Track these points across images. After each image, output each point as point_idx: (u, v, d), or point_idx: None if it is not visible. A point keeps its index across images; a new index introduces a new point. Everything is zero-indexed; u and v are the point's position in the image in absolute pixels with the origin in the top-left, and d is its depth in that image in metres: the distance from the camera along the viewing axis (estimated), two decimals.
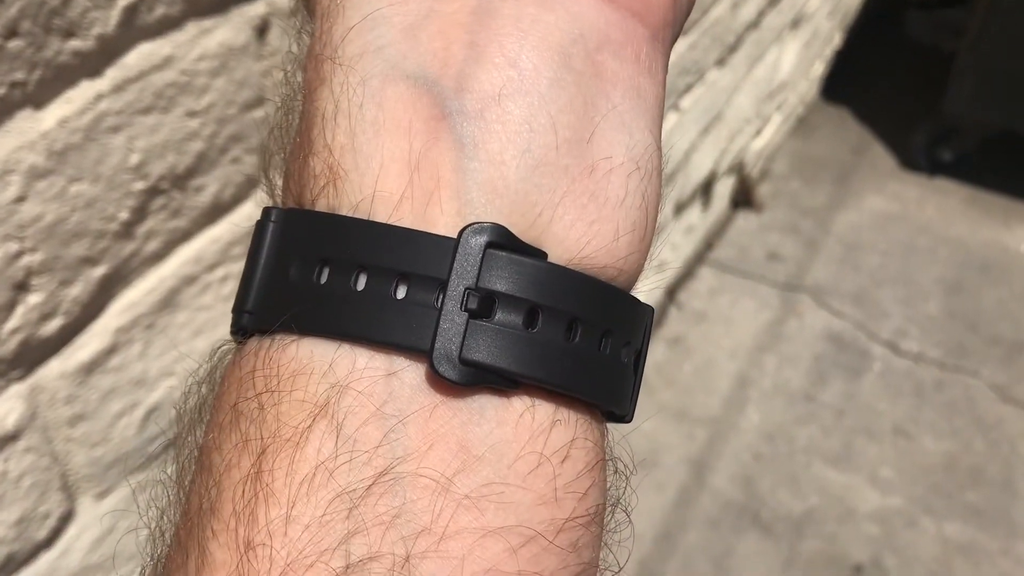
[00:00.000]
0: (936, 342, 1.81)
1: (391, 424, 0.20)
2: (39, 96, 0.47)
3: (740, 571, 1.42)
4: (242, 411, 0.21)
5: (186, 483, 0.23)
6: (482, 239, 0.21)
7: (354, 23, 0.23)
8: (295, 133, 0.24)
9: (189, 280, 0.61)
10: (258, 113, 0.60)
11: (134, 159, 0.53)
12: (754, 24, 1.63)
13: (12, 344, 0.51)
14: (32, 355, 0.52)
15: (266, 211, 0.24)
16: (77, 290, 0.53)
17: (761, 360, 1.74)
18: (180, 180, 0.56)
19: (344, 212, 0.22)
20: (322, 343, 0.21)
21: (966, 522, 1.52)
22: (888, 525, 1.52)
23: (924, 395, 1.70)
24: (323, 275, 0.22)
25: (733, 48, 1.58)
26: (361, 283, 0.21)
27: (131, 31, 0.50)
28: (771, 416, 1.64)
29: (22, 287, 0.50)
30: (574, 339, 0.21)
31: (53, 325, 0.53)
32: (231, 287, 0.64)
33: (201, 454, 0.22)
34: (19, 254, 0.49)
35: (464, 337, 0.21)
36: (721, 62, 1.54)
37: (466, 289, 0.21)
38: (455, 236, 0.21)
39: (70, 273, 0.52)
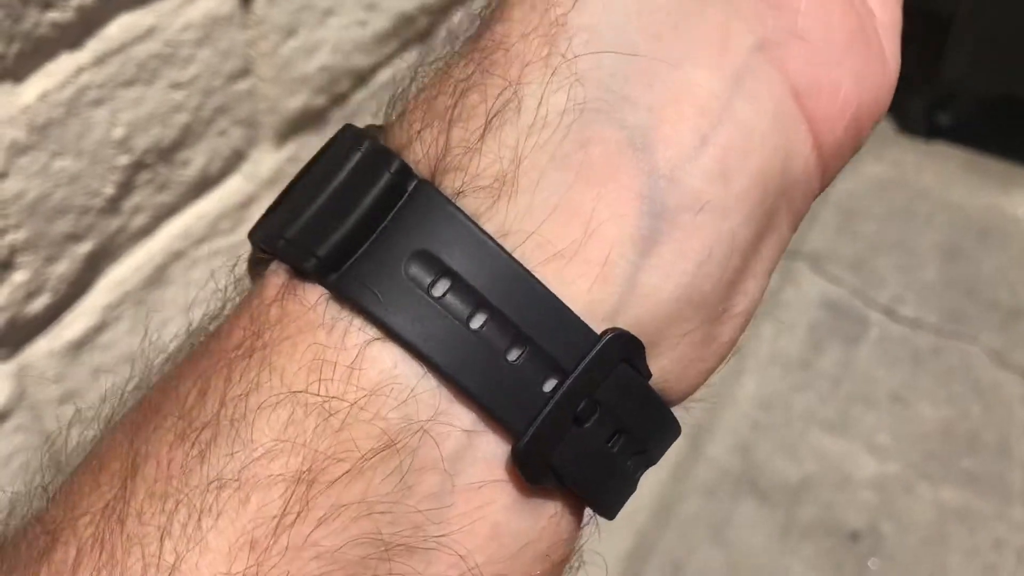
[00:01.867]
0: (933, 308, 1.81)
1: (447, 486, 0.20)
2: (18, 70, 0.46)
3: (738, 539, 1.43)
4: (305, 404, 0.19)
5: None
6: (621, 353, 0.21)
7: (596, 14, 0.21)
8: (459, 75, 0.22)
9: (177, 255, 0.60)
10: (243, 85, 0.59)
11: (118, 133, 0.52)
12: None
13: None
14: (19, 334, 0.52)
15: (383, 152, 0.21)
16: (63, 267, 0.52)
17: (758, 328, 1.74)
18: (166, 154, 0.55)
19: (490, 231, 0.20)
20: (411, 363, 0.20)
21: (962, 487, 1.53)
22: (885, 491, 1.52)
23: (921, 361, 1.70)
24: (438, 286, 0.20)
25: None
26: (477, 321, 0.20)
27: (112, 1, 0.49)
28: (768, 384, 1.65)
29: (6, 265, 0.49)
30: (613, 448, 0.21)
31: (39, 303, 0.52)
32: (220, 262, 0.64)
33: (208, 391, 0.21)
34: (2, 232, 0.48)
35: (560, 442, 0.20)
36: None
37: (585, 397, 0.21)
38: (599, 332, 0.20)
39: (55, 250, 0.51)
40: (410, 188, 0.21)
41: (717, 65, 0.22)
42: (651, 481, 1.46)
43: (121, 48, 0.50)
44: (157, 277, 0.59)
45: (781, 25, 0.23)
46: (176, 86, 0.54)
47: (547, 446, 0.20)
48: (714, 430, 1.54)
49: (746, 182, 0.22)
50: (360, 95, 0.70)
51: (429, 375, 0.20)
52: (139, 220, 0.56)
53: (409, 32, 0.72)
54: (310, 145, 0.67)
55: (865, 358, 1.68)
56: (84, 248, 0.53)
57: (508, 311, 0.20)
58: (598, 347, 0.20)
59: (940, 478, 1.52)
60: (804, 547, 1.43)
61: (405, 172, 0.21)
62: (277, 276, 0.21)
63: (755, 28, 0.23)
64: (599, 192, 0.21)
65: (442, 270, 0.20)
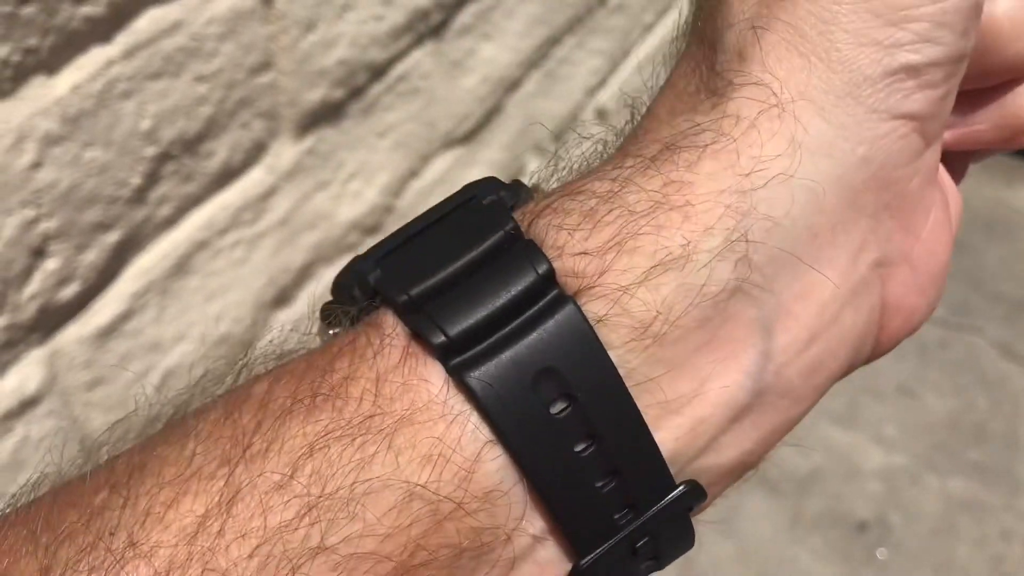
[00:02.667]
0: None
1: None
2: (52, 62, 0.47)
3: (747, 530, 1.44)
4: (417, 495, 0.21)
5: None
6: (689, 502, 0.23)
7: (781, 207, 0.23)
8: (633, 203, 0.23)
9: (201, 245, 0.62)
10: (264, 78, 0.60)
11: (145, 124, 0.53)
12: None
13: (31, 309, 0.51)
14: (50, 320, 0.53)
15: (534, 249, 0.22)
16: (92, 256, 0.54)
17: None
18: (191, 145, 0.57)
19: (617, 367, 0.22)
20: (512, 472, 0.21)
21: (970, 479, 1.54)
22: (892, 483, 1.53)
23: (928, 354, 1.71)
24: (557, 404, 0.22)
25: None
26: (581, 446, 0.22)
27: None
28: None
29: (39, 253, 0.50)
30: (642, 564, 0.24)
31: (70, 290, 0.53)
32: (241, 252, 0.65)
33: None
34: (36, 220, 0.49)
35: (613, 567, 0.23)
36: None
37: (648, 536, 0.23)
38: (677, 480, 0.23)
39: (85, 239, 0.53)
40: (551, 295, 0.22)
41: (845, 273, 0.24)
42: None
43: (149, 42, 0.51)
44: (181, 266, 0.61)
45: (901, 248, 0.25)
46: (201, 79, 0.55)
47: (603, 569, 0.22)
48: None
49: (825, 379, 0.24)
50: (377, 88, 0.71)
51: (523, 484, 0.21)
52: (164, 210, 0.57)
53: (423, 26, 0.73)
54: (328, 138, 0.68)
55: None
56: (112, 237, 0.55)
57: (612, 446, 0.22)
58: (674, 495, 0.23)
59: (947, 469, 1.53)
60: (813, 538, 1.44)
61: (551, 280, 0.22)
62: (397, 336, 0.22)
63: (883, 245, 0.25)
64: (718, 359, 0.23)
65: (565, 392, 0.22)
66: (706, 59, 0.25)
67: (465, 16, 0.78)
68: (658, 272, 0.22)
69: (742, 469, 0.24)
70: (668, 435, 0.22)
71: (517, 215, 0.23)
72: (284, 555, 0.20)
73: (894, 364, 1.67)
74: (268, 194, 0.65)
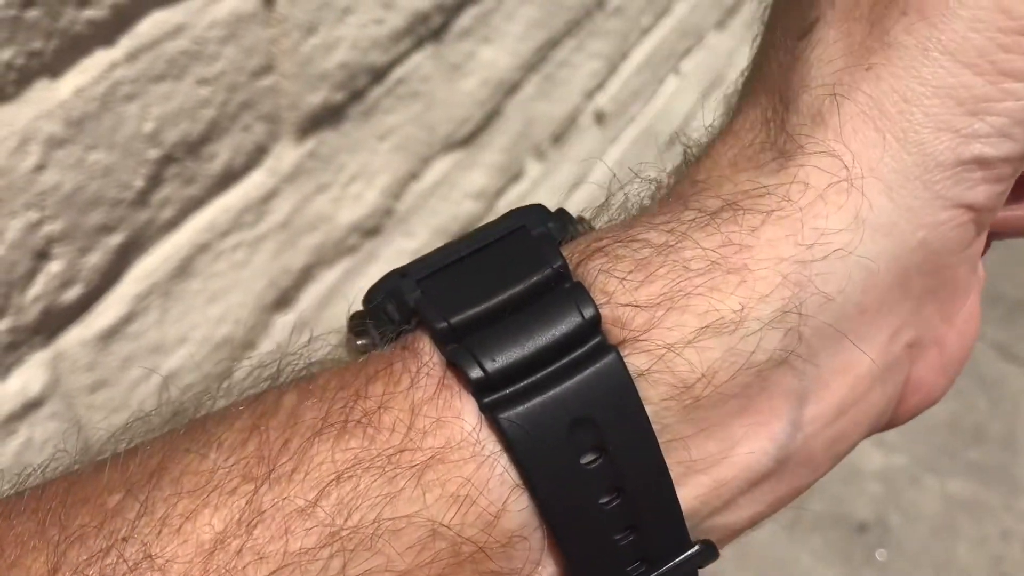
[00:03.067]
0: None
1: None
2: (55, 66, 0.47)
3: (747, 531, 1.44)
4: (441, 535, 0.21)
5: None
6: (702, 561, 0.23)
7: (836, 284, 0.22)
8: (689, 260, 0.22)
9: (203, 248, 0.62)
10: (266, 81, 0.61)
11: (148, 127, 0.53)
12: None
13: (34, 312, 0.52)
14: (53, 322, 0.53)
15: (583, 293, 0.22)
16: (96, 258, 0.54)
17: None
18: (193, 148, 0.57)
19: (652, 422, 0.22)
20: (535, 517, 0.21)
21: (969, 479, 1.54)
22: (892, 484, 1.54)
23: None
24: (588, 454, 0.21)
25: (733, 11, 1.58)
26: (607, 499, 0.22)
27: (144, 0, 0.50)
28: None
29: (43, 255, 0.51)
30: None
31: (73, 293, 0.53)
32: (242, 255, 0.65)
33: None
34: (39, 223, 0.49)
35: None
36: (721, 25, 1.54)
37: None
38: (692, 538, 0.23)
39: (88, 241, 0.53)
40: (593, 342, 0.22)
41: (881, 352, 0.24)
42: None
43: (152, 45, 0.52)
44: (183, 268, 0.61)
45: (935, 334, 0.25)
46: (203, 82, 0.56)
47: None
48: None
49: (845, 449, 0.25)
50: (377, 91, 0.71)
51: (543, 530, 0.21)
52: (167, 213, 0.58)
53: (423, 29, 0.74)
54: (329, 141, 0.69)
55: None
56: (115, 239, 0.55)
57: (637, 502, 0.22)
58: (688, 554, 0.23)
59: (947, 470, 1.53)
60: (813, 538, 1.44)
61: (596, 327, 0.22)
62: (433, 365, 0.22)
63: (920, 327, 0.25)
64: (750, 425, 0.23)
65: (599, 444, 0.21)
66: (776, 115, 0.24)
67: (465, 19, 0.78)
68: (707, 335, 0.22)
69: (751, 525, 0.24)
70: (689, 493, 0.23)
71: (566, 252, 0.23)
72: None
73: None
74: (269, 196, 0.65)
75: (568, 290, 0.22)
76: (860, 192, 0.22)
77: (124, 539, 0.20)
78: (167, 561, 0.20)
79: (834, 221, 0.22)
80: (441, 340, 0.22)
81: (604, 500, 0.22)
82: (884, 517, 1.47)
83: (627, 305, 0.22)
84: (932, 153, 0.23)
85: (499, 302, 0.22)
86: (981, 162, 0.23)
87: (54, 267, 0.52)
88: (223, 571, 0.20)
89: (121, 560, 0.20)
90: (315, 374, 0.23)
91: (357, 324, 0.25)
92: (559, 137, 1.02)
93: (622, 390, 0.21)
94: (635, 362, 0.22)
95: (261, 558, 0.20)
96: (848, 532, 1.45)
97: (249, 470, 0.21)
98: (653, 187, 0.26)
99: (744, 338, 0.22)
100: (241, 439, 0.21)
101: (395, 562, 0.20)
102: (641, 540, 0.22)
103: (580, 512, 0.22)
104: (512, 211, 0.25)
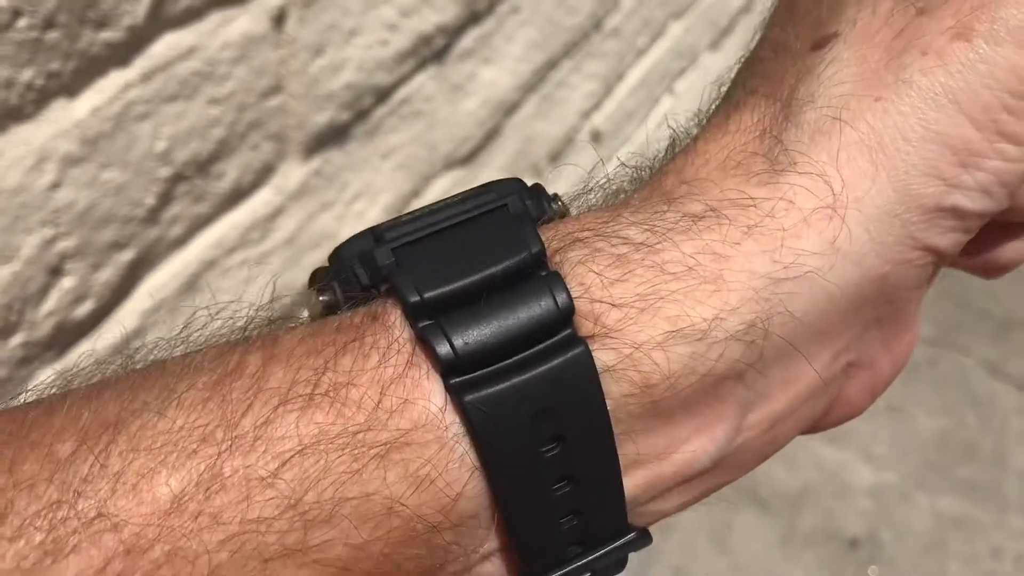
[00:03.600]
0: (928, 319, 1.84)
1: None
2: (73, 86, 0.48)
3: (739, 546, 1.45)
4: (398, 513, 0.21)
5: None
6: (637, 547, 0.25)
7: (802, 308, 0.23)
8: (667, 263, 0.23)
9: (210, 264, 0.63)
10: (275, 101, 0.62)
11: (160, 146, 0.54)
12: (746, 8, 1.65)
13: (47, 327, 0.52)
14: (65, 338, 0.54)
15: (560, 284, 0.22)
16: (107, 274, 0.55)
17: None
18: (203, 166, 0.58)
19: (612, 420, 0.22)
20: (487, 499, 0.22)
21: (959, 496, 1.55)
22: (883, 500, 1.55)
23: (917, 372, 1.73)
24: (547, 444, 0.22)
25: (726, 31, 1.60)
26: (560, 485, 0.22)
27: (158, 22, 0.51)
28: None
29: (57, 271, 0.52)
30: None
31: (85, 308, 0.54)
32: (247, 272, 0.66)
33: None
34: (54, 239, 0.50)
35: None
36: (714, 45, 1.56)
37: (591, 570, 0.24)
38: (630, 527, 0.24)
39: (101, 257, 0.54)
40: (565, 333, 0.22)
41: (824, 369, 0.25)
42: None
43: (165, 65, 0.53)
44: (191, 284, 0.62)
45: (874, 356, 0.26)
46: (214, 102, 0.57)
47: None
48: None
49: (771, 453, 0.26)
50: (381, 111, 0.73)
51: (493, 510, 0.22)
52: (176, 230, 0.59)
53: (427, 51, 0.75)
54: (334, 159, 0.70)
55: None
56: (126, 256, 0.56)
57: (586, 491, 0.23)
58: (625, 540, 0.24)
59: (937, 487, 1.54)
60: (805, 554, 1.45)
61: (568, 318, 0.22)
62: (403, 340, 0.21)
63: (860, 351, 0.26)
64: (696, 427, 0.23)
65: (558, 434, 0.22)
66: (775, 124, 0.24)
67: (467, 41, 0.80)
68: (675, 339, 0.22)
69: (677, 512, 0.25)
70: (629, 483, 0.23)
71: (544, 236, 0.23)
72: (256, 550, 0.20)
73: None
74: (275, 214, 0.66)
75: (545, 278, 0.22)
76: (842, 220, 0.23)
77: (77, 492, 0.20)
78: (122, 520, 0.19)
79: (812, 244, 0.23)
80: (412, 315, 0.22)
81: (555, 487, 0.22)
82: (876, 533, 1.48)
83: (601, 301, 0.22)
84: (916, 195, 0.23)
85: (475, 281, 0.22)
86: (957, 212, 0.23)
87: (67, 283, 0.53)
88: (178, 533, 0.20)
89: (73, 514, 0.19)
90: (279, 335, 0.22)
91: (320, 279, 0.24)
92: (556, 156, 1.03)
93: (587, 384, 0.22)
94: (602, 357, 0.22)
95: (218, 523, 0.20)
96: (840, 548, 1.45)
97: (210, 432, 0.20)
98: (633, 172, 0.26)
99: (710, 346, 0.22)
100: (202, 398, 0.21)
101: (351, 536, 0.21)
102: (583, 525, 0.23)
103: (532, 497, 0.22)
104: (491, 183, 0.24)
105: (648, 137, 1.26)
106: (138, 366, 0.23)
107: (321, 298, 0.24)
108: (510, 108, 0.91)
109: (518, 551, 0.23)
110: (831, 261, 0.23)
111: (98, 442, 0.20)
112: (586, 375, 0.22)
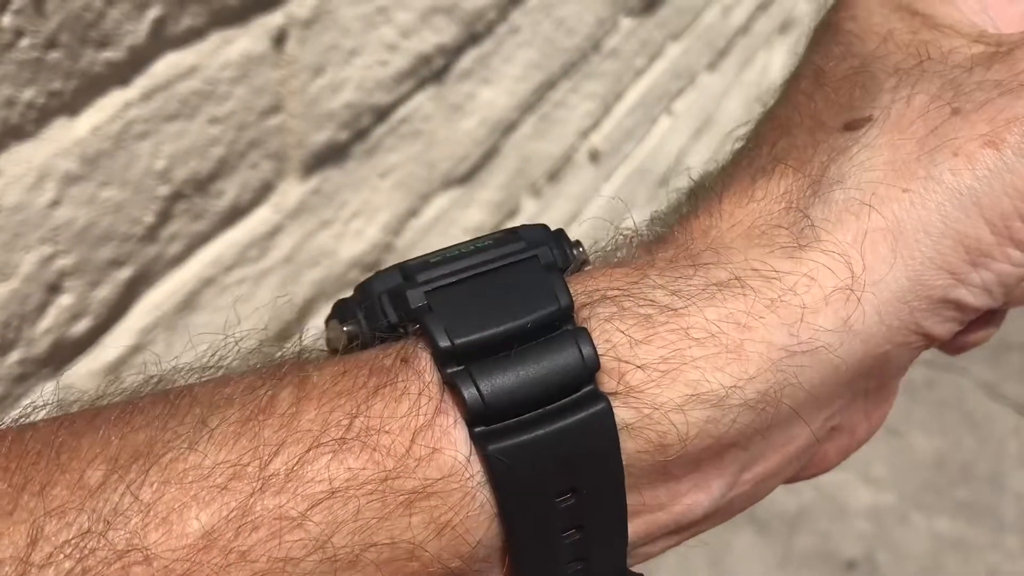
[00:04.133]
0: None
1: None
2: (74, 105, 0.49)
3: (736, 568, 1.44)
4: (418, 557, 0.22)
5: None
6: None
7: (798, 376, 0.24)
8: (693, 327, 0.23)
9: (208, 282, 0.63)
10: (274, 120, 0.62)
11: (160, 164, 0.55)
12: (744, 29, 1.66)
13: (44, 344, 0.52)
14: (62, 355, 0.54)
15: (591, 351, 0.23)
16: (105, 291, 0.55)
17: None
18: (202, 184, 0.58)
19: (626, 474, 0.24)
20: (499, 539, 0.23)
21: (956, 518, 1.55)
22: (880, 522, 1.54)
23: (915, 393, 1.73)
24: (563, 494, 0.23)
25: (724, 52, 1.61)
26: (569, 532, 0.23)
27: (159, 42, 0.52)
28: None
29: (55, 289, 0.52)
30: None
31: (82, 325, 0.54)
32: (246, 289, 0.66)
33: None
34: (53, 257, 0.51)
35: None
36: (712, 66, 1.57)
37: None
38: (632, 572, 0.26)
39: (99, 275, 0.54)
40: (588, 389, 0.22)
41: (817, 432, 0.26)
42: None
43: (166, 85, 0.53)
44: (189, 302, 0.62)
45: (855, 422, 0.28)
46: (214, 121, 0.57)
47: None
48: None
49: (753, 503, 0.27)
50: (380, 130, 0.73)
51: (504, 552, 0.23)
52: (175, 248, 0.59)
53: (426, 71, 0.76)
54: (333, 178, 0.70)
55: None
56: (124, 274, 0.56)
57: (594, 539, 0.23)
58: None
59: (934, 508, 1.54)
60: None
61: (594, 372, 0.23)
62: (433, 386, 0.22)
63: (845, 417, 0.27)
64: (696, 483, 0.24)
65: (576, 487, 0.23)
66: (803, 199, 0.25)
67: (465, 61, 0.80)
68: (694, 403, 0.23)
69: (659, 553, 0.26)
70: (633, 530, 0.24)
71: (573, 288, 0.24)
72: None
73: None
74: (274, 232, 0.66)
75: (572, 333, 0.23)
76: (858, 301, 0.24)
77: (107, 522, 0.20)
78: (152, 553, 0.20)
79: (828, 322, 0.24)
80: (442, 360, 0.22)
81: (565, 534, 0.23)
82: (872, 555, 1.48)
83: (626, 361, 0.23)
84: (927, 285, 0.24)
85: (505, 331, 0.23)
86: (959, 305, 0.25)
87: (65, 300, 0.53)
88: (207, 568, 0.20)
89: (104, 544, 0.20)
90: (309, 372, 0.23)
91: (344, 310, 0.25)
92: (555, 175, 1.04)
93: (606, 441, 0.22)
94: (622, 415, 0.23)
95: (247, 560, 0.20)
96: (837, 570, 1.45)
97: (242, 469, 0.21)
98: (657, 229, 0.27)
99: (724, 412, 0.23)
100: (234, 433, 0.21)
101: (372, 574, 0.21)
102: (586, 570, 0.24)
103: (543, 544, 0.23)
104: (518, 229, 0.25)
105: (647, 158, 1.27)
106: (165, 389, 0.24)
107: (346, 328, 0.25)
108: (508, 127, 0.91)
109: None
110: (843, 338, 0.24)
111: (128, 471, 0.20)
112: (606, 432, 0.22)
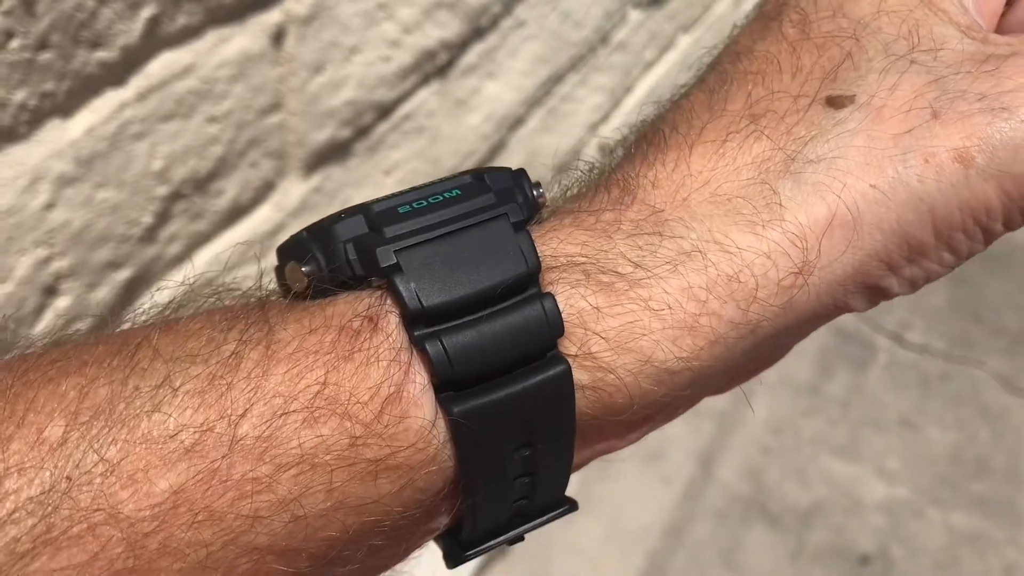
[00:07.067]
0: (941, 333, 1.82)
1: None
2: (67, 106, 0.48)
3: (748, 563, 1.43)
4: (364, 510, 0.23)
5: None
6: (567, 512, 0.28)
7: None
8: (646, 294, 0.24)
9: (208, 283, 0.62)
10: (274, 119, 0.61)
11: (157, 165, 0.54)
12: None
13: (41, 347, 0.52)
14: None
15: (557, 321, 0.24)
16: (103, 293, 0.54)
17: None
18: (201, 184, 0.58)
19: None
20: (453, 486, 0.24)
21: (972, 512, 1.54)
22: (894, 516, 1.53)
23: (929, 386, 1.71)
24: (520, 448, 0.24)
25: None
26: (520, 481, 0.25)
27: (154, 41, 0.51)
28: (777, 409, 1.66)
29: (51, 291, 0.51)
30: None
31: (80, 328, 0.54)
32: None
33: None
34: (48, 259, 0.50)
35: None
36: None
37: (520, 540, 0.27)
38: (565, 507, 0.27)
39: (96, 277, 0.54)
40: (551, 353, 0.23)
41: (725, 384, 0.29)
42: (661, 503, 1.47)
43: (162, 84, 0.52)
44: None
45: (749, 373, 0.30)
46: (212, 120, 0.56)
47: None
48: (724, 454, 1.55)
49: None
50: (383, 127, 0.72)
51: (457, 488, 0.24)
52: (174, 248, 0.58)
53: (429, 66, 0.75)
54: (335, 176, 0.69)
55: (874, 383, 1.69)
56: (123, 275, 0.55)
57: (542, 483, 0.25)
58: (557, 512, 0.27)
59: (950, 502, 1.52)
60: (814, 571, 1.44)
61: (557, 337, 0.23)
62: (403, 351, 0.23)
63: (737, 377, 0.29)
64: (634, 437, 0.27)
65: (531, 442, 0.24)
66: (772, 170, 0.25)
67: (470, 56, 0.79)
68: (647, 371, 0.24)
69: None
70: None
71: (540, 248, 0.24)
72: (250, 544, 0.21)
73: (896, 397, 1.67)
74: (275, 231, 0.66)
75: (539, 298, 0.23)
76: (805, 283, 0.25)
77: (70, 479, 0.20)
78: (119, 511, 0.20)
79: (775, 300, 0.25)
80: (411, 323, 0.23)
81: (517, 478, 0.24)
82: (887, 550, 1.46)
83: (588, 329, 0.24)
84: (866, 274, 0.25)
85: (475, 294, 0.23)
86: (884, 292, 0.26)
87: (62, 303, 0.52)
88: (174, 526, 0.20)
89: (68, 501, 0.20)
90: (274, 327, 0.23)
91: (298, 249, 0.25)
92: (563, 170, 1.03)
93: (565, 402, 0.24)
94: (579, 376, 0.24)
95: (214, 519, 0.21)
96: (851, 564, 1.44)
97: (209, 430, 0.21)
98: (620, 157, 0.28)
99: (673, 380, 0.24)
100: (199, 390, 0.21)
101: (339, 528, 0.22)
102: (531, 503, 0.25)
103: (497, 490, 0.24)
104: (483, 175, 0.25)
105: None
106: (120, 334, 0.24)
107: (304, 269, 0.24)
108: (515, 122, 0.90)
109: (471, 521, 0.25)
110: (783, 314, 0.25)
111: (90, 428, 0.20)
112: (564, 394, 0.23)
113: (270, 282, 0.26)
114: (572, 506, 0.27)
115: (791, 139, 0.25)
